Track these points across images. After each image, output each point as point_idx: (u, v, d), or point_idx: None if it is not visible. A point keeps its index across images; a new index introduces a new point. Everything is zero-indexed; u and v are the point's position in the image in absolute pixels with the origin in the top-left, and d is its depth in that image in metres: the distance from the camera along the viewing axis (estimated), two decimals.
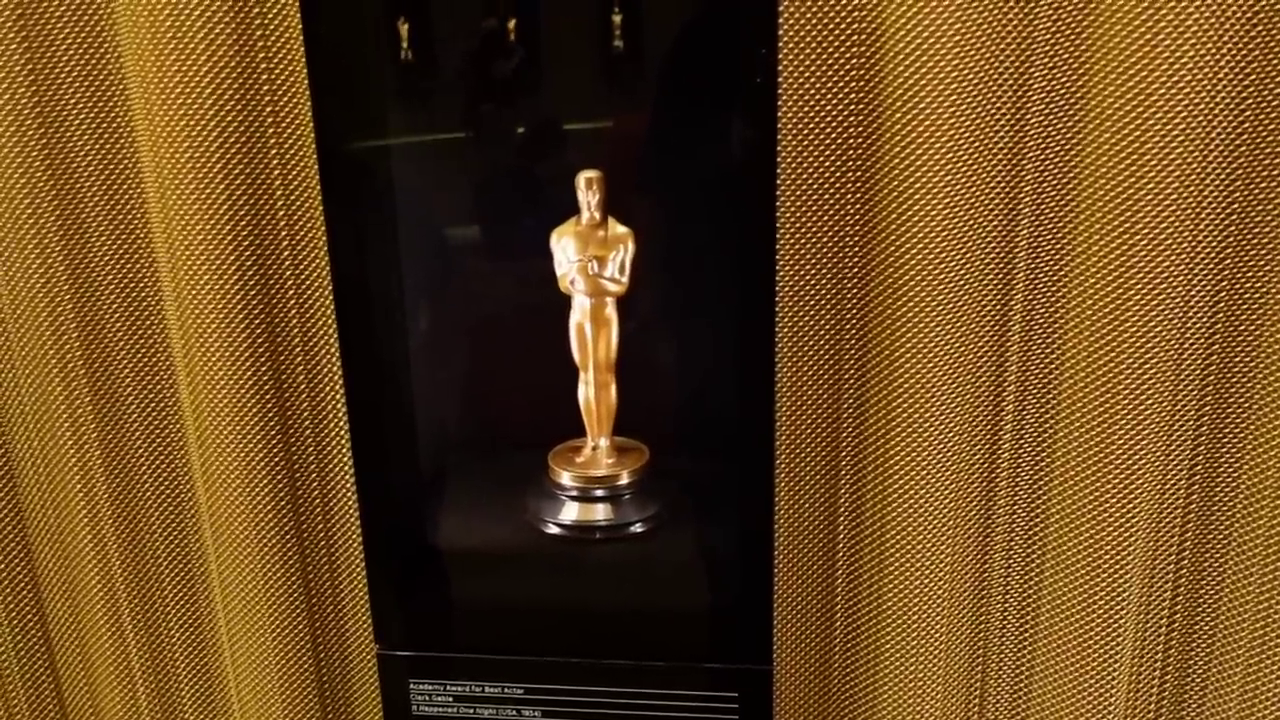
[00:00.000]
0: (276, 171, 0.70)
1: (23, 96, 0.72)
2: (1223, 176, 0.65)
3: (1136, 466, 0.69)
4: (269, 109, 0.69)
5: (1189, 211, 0.64)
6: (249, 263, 0.71)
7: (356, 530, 0.75)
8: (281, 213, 0.71)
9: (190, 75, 0.66)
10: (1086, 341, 0.68)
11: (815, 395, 0.71)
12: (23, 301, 0.77)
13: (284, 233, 0.72)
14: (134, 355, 0.79)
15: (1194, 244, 0.65)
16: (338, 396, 0.74)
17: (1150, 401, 0.68)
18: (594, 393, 0.68)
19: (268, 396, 0.74)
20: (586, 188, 0.64)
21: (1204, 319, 0.68)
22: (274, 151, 0.70)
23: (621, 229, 0.64)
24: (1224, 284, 0.68)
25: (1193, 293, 0.67)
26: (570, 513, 0.69)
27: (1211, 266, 0.67)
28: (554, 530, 0.69)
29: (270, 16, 0.67)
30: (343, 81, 0.62)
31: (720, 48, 0.60)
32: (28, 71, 0.71)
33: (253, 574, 0.77)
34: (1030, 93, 0.65)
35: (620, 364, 0.67)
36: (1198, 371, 0.70)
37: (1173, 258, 0.65)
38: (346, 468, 0.76)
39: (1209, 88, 0.62)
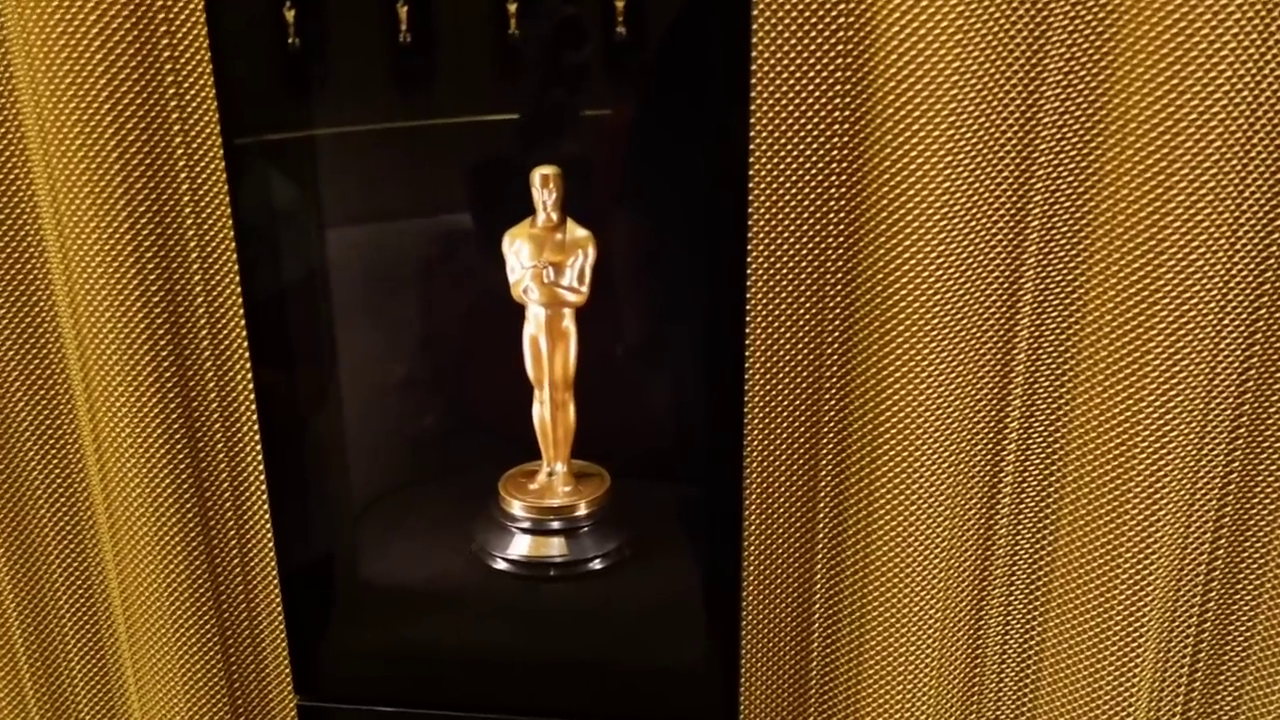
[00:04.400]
0: (184, 176, 0.67)
1: None
2: (1262, 199, 0.60)
3: (1154, 534, 0.65)
4: (174, 105, 0.65)
5: (1223, 240, 0.59)
6: (152, 274, 0.68)
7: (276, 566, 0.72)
8: (190, 220, 0.68)
9: (84, 65, 0.62)
10: (1100, 381, 0.63)
11: (790, 422, 0.67)
12: None
13: (193, 240, 0.68)
14: (28, 379, 0.75)
15: (1227, 275, 0.61)
16: (253, 415, 0.71)
17: (1174, 448, 0.63)
18: (550, 412, 0.64)
19: (174, 415, 0.70)
20: (543, 185, 0.61)
21: (1238, 351, 0.64)
22: (180, 154, 0.66)
23: (581, 232, 0.61)
24: (1261, 313, 0.63)
25: (1225, 325, 0.63)
26: (521, 547, 0.66)
27: (1248, 298, 0.63)
28: (502, 566, 0.66)
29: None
30: (259, 73, 0.59)
31: (692, 42, 0.57)
32: None
33: (160, 611, 0.74)
34: (1042, 100, 0.60)
35: (579, 381, 0.64)
36: (1229, 410, 0.65)
37: (1203, 291, 0.60)
38: (264, 496, 0.72)
39: (1249, 100, 0.57)
